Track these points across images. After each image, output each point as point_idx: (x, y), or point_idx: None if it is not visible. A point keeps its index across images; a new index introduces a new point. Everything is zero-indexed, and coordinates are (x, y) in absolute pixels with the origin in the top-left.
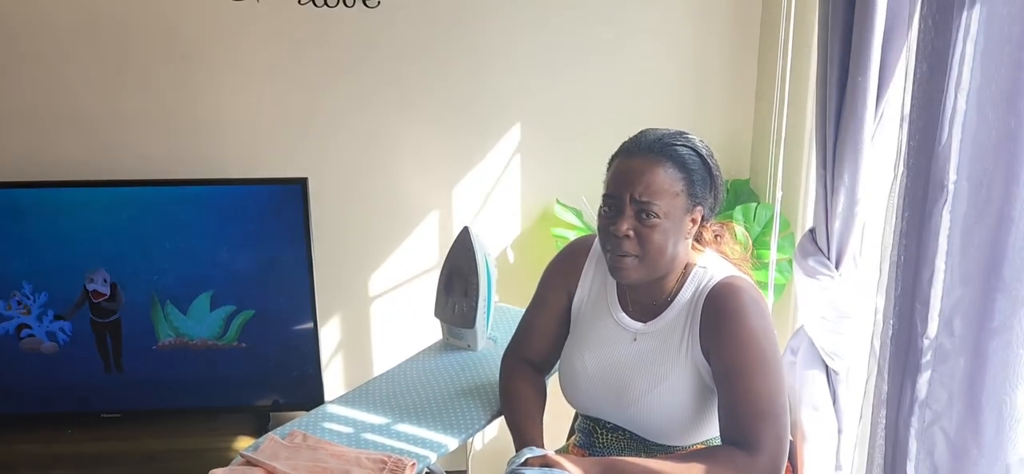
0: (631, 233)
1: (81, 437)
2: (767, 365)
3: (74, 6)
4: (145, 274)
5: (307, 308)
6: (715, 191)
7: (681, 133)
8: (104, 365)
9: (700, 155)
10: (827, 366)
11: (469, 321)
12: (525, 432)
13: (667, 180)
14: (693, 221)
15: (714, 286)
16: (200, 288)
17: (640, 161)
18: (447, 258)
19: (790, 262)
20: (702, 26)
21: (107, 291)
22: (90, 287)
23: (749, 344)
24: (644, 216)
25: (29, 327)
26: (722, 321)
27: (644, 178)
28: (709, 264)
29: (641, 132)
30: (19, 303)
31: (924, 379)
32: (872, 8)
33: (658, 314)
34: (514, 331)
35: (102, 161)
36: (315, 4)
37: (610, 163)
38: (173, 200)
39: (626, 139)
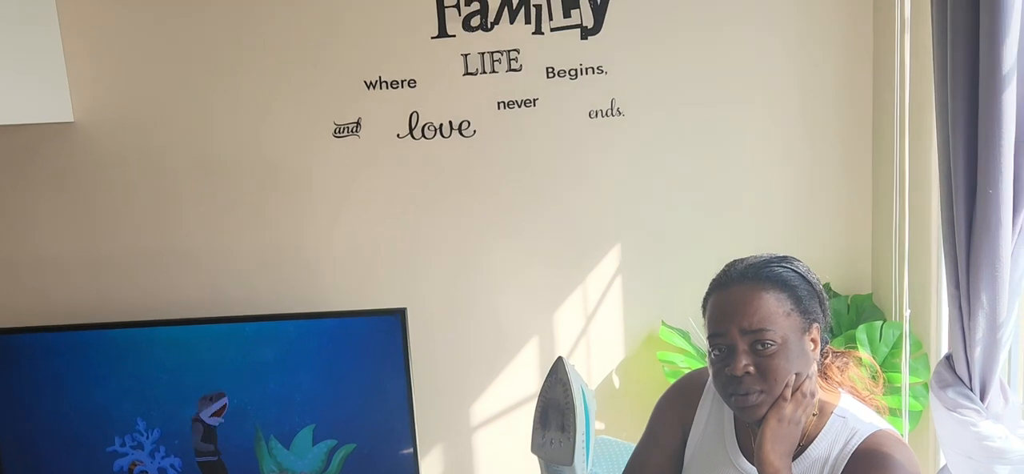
0: (751, 369)
1: None
2: None
3: (189, 153)
4: (251, 408)
5: (408, 440)
6: (823, 307)
7: (772, 255)
8: None
9: (797, 272)
10: None
11: (567, 458)
12: None
13: (773, 301)
14: (813, 342)
15: (863, 443)
16: (302, 422)
17: (739, 290)
18: (541, 391)
19: (925, 386)
20: (809, 131)
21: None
22: (205, 413)
23: None
24: (760, 346)
25: (142, 463)
26: None
27: (750, 306)
28: (848, 412)
29: (730, 264)
30: (133, 440)
31: None
32: (999, 113)
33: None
34: (623, 470)
35: (212, 298)
36: (413, 137)
37: (705, 303)
38: (275, 334)
39: (716, 274)
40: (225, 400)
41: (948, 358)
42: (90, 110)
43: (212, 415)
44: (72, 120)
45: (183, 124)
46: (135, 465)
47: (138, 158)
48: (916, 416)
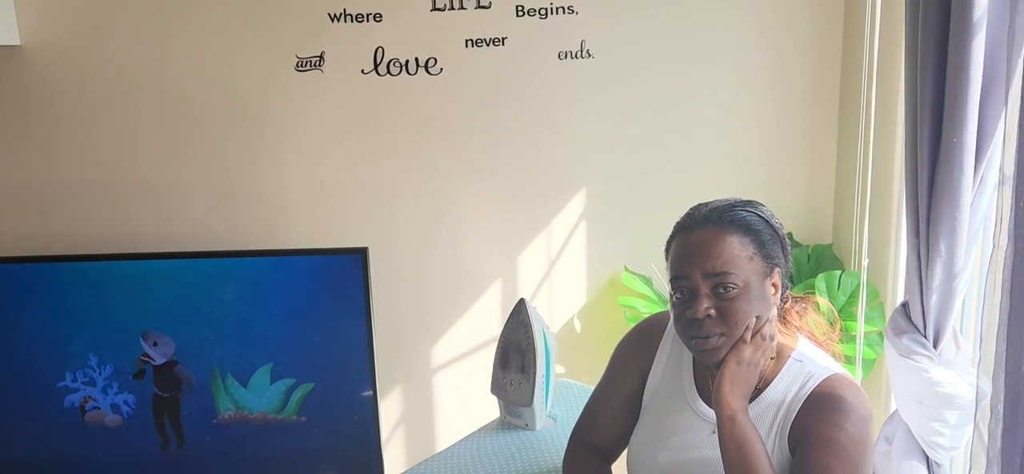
0: (712, 312)
1: None
2: None
3: (144, 82)
4: (208, 346)
5: (367, 381)
6: (785, 252)
7: (737, 199)
8: (162, 442)
9: (761, 216)
10: (928, 456)
11: (526, 399)
12: None
13: (737, 245)
14: (774, 286)
15: (818, 386)
16: (260, 360)
17: (702, 233)
18: (503, 333)
19: (880, 335)
20: (776, 78)
21: (157, 356)
22: (145, 346)
23: (842, 450)
24: (722, 290)
25: (94, 400)
26: (821, 416)
27: (713, 249)
28: (805, 356)
29: (694, 207)
30: (85, 376)
31: None
32: (967, 61)
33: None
34: (581, 410)
35: (168, 234)
36: (378, 73)
37: (668, 246)
38: (234, 271)
39: (680, 217)
40: (151, 342)
41: (904, 306)
42: (38, 34)
43: (143, 356)
44: (18, 43)
45: (138, 52)
46: (87, 401)
47: (90, 86)
48: (869, 364)
